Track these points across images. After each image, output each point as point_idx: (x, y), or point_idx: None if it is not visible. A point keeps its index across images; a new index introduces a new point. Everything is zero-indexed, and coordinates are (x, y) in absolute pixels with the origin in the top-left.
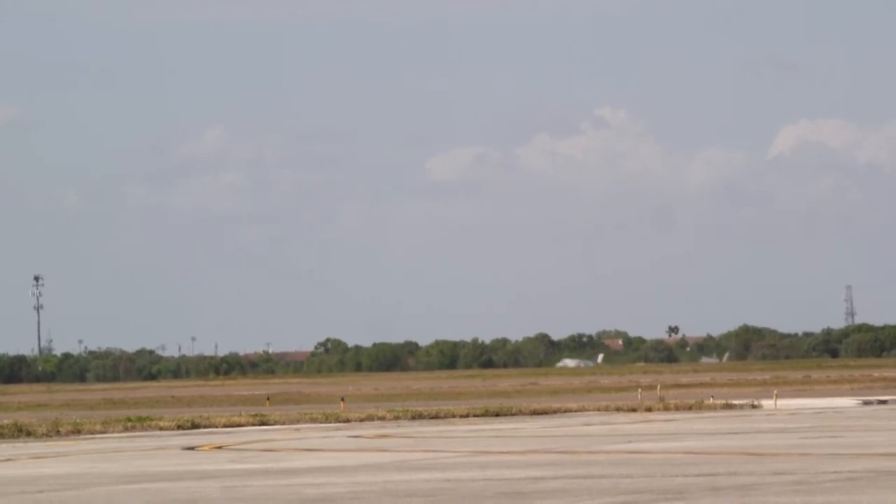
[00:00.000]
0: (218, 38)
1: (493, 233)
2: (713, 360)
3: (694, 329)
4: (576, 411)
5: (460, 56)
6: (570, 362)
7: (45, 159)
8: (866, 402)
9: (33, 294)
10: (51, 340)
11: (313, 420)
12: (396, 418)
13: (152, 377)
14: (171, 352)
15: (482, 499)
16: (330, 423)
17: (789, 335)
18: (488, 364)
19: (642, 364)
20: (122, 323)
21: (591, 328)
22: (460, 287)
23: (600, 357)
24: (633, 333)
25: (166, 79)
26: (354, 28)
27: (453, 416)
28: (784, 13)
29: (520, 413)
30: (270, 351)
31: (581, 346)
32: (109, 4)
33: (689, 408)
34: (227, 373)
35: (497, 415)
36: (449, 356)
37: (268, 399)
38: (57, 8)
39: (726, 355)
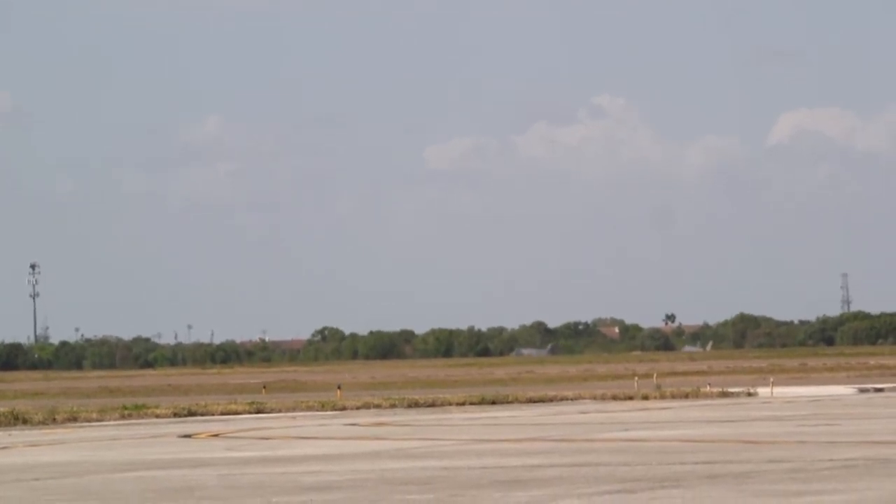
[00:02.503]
0: (216, 26)
1: (490, 221)
2: (696, 348)
3: (690, 317)
4: (572, 399)
5: (458, 44)
6: (524, 351)
7: (41, 148)
8: (862, 390)
9: (30, 282)
10: (47, 328)
11: (310, 408)
12: (393, 406)
13: (149, 365)
14: (167, 340)
15: (479, 487)
16: (326, 411)
17: (785, 323)
18: (484, 352)
19: (638, 352)
20: (118, 311)
21: (587, 316)
22: (457, 275)
23: (549, 346)
24: (629, 321)
25: (164, 67)
26: (353, 17)
27: (450, 404)
28: (782, 1)
29: (516, 401)
30: (267, 339)
31: (577, 333)
32: None
33: (686, 396)
34: (223, 361)
35: (493, 403)
36: (445, 344)
37: (264, 387)
38: None
39: (710, 344)
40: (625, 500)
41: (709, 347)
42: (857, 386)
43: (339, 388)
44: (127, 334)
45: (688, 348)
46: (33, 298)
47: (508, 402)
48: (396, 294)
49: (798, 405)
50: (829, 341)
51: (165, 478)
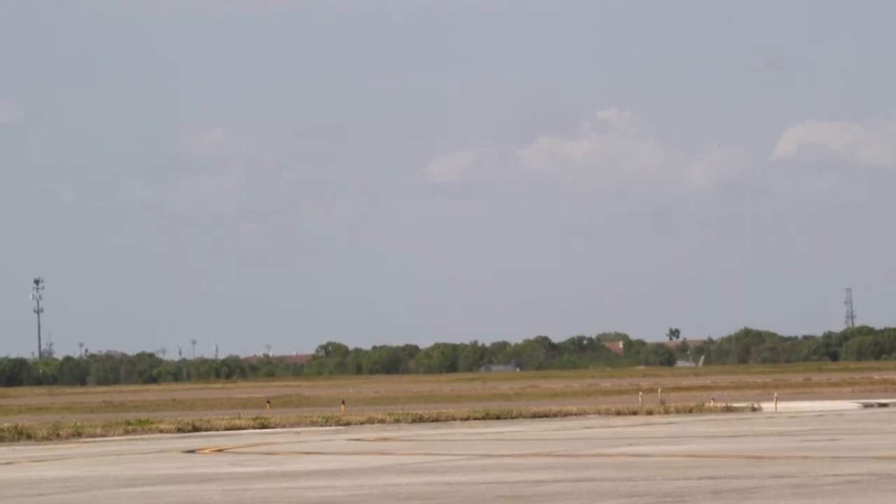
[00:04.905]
0: (217, 34)
1: (494, 234)
2: (689, 363)
3: (695, 332)
4: (576, 414)
5: (462, 55)
6: (493, 367)
7: (43, 161)
8: (867, 405)
9: (34, 297)
10: (51, 344)
11: (314, 423)
12: (397, 421)
13: (153, 380)
14: (171, 355)
15: (483, 502)
16: (330, 426)
17: (789, 338)
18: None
19: (643, 367)
20: (122, 326)
21: (591, 331)
22: (461, 289)
23: (513, 362)
24: (633, 336)
25: (164, 76)
26: (356, 28)
27: (454, 418)
28: (788, 14)
29: (520, 416)
30: (271, 354)
31: (581, 348)
32: (108, 2)
33: (690, 411)
34: (227, 376)
35: (497, 418)
36: (449, 359)
37: (268, 402)
38: (53, 4)
39: (702, 359)
40: None
41: (701, 362)
42: (861, 401)
43: (343, 402)
44: (131, 349)
45: (680, 363)
46: (37, 314)
47: (513, 417)
48: (400, 308)
49: (802, 420)
50: (834, 356)
51: (169, 493)
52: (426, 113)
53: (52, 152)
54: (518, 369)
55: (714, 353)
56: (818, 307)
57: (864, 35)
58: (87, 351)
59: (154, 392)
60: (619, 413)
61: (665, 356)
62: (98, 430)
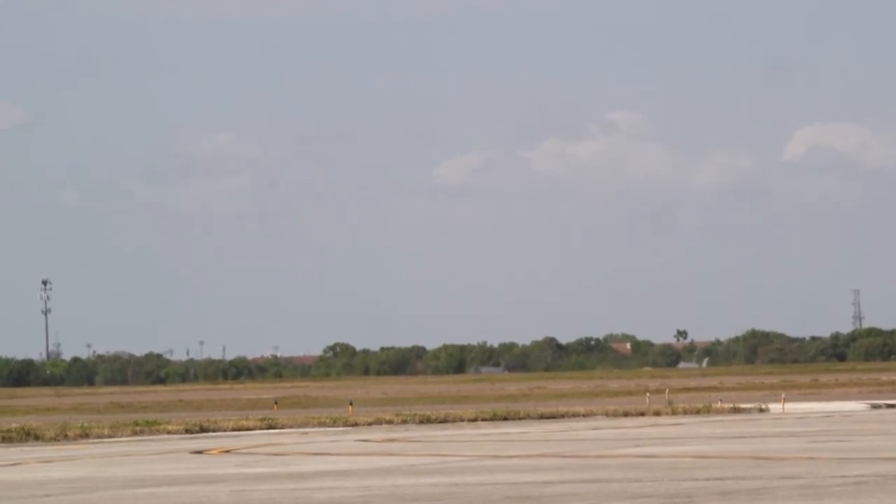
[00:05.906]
0: (217, 35)
1: (501, 236)
2: (692, 364)
3: (702, 333)
4: (584, 415)
5: (466, 56)
6: (483, 369)
7: (49, 162)
8: (874, 406)
9: (41, 298)
10: (59, 344)
11: (321, 424)
12: (404, 422)
13: (160, 381)
14: (179, 356)
15: (490, 503)
16: (338, 426)
17: (797, 339)
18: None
19: (650, 368)
20: (130, 327)
21: (599, 332)
22: (468, 290)
23: (503, 365)
24: (641, 337)
25: (172, 80)
26: (357, 28)
27: (461, 419)
28: (793, 16)
29: (527, 417)
30: (278, 355)
31: (589, 349)
32: (110, 3)
33: (697, 412)
34: (235, 377)
35: (505, 419)
36: (457, 360)
37: (276, 403)
38: (53, 4)
39: (705, 360)
40: None
41: (704, 364)
42: (869, 402)
43: (350, 403)
44: (139, 350)
45: (684, 364)
46: (45, 314)
47: (520, 418)
48: (407, 309)
49: (810, 421)
50: (841, 357)
51: (177, 494)
52: (430, 114)
53: (56, 154)
54: (506, 371)
55: (721, 354)
56: (826, 308)
57: (868, 36)
58: (94, 352)
59: (162, 393)
60: (626, 414)
61: (672, 357)
62: (106, 431)
